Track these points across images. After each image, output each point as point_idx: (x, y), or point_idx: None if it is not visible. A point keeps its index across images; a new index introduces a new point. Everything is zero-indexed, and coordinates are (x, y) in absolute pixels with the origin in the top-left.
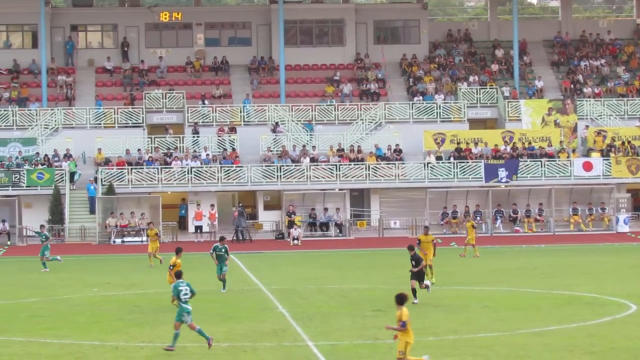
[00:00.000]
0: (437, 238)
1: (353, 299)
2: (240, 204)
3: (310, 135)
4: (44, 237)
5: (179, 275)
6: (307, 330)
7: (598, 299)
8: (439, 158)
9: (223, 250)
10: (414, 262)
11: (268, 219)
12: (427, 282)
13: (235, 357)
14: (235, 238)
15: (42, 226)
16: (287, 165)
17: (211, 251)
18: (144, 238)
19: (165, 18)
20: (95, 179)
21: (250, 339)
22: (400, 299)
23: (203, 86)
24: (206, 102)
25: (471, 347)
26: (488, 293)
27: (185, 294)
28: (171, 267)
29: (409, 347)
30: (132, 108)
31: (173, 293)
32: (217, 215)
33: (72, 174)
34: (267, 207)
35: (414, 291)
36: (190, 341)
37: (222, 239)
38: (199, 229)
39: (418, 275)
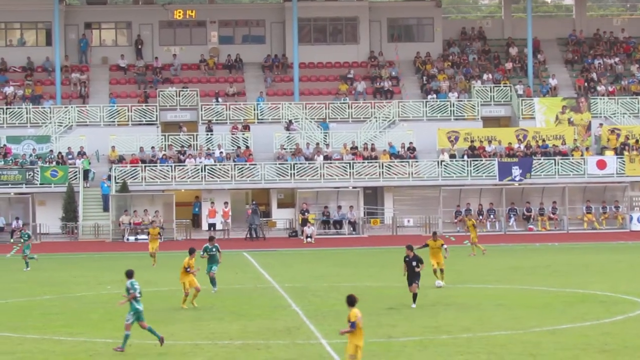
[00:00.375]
0: (451, 236)
1: (366, 297)
2: (254, 202)
3: (325, 133)
4: (26, 236)
5: (130, 274)
6: (320, 328)
7: (611, 297)
8: (452, 156)
9: (214, 249)
10: (414, 263)
11: (282, 216)
12: (438, 282)
13: (249, 354)
14: (248, 236)
15: (24, 224)
16: (300, 163)
17: (202, 252)
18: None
19: (179, 16)
20: (109, 177)
21: (264, 337)
22: (350, 301)
23: (217, 84)
24: (220, 99)
25: (485, 346)
26: (501, 291)
27: (140, 293)
28: (188, 269)
29: (360, 351)
30: (145, 106)
31: (133, 291)
32: (230, 213)
33: (85, 172)
34: (281, 205)
35: (414, 296)
36: (204, 339)
37: (211, 238)
38: (212, 226)
39: (416, 277)
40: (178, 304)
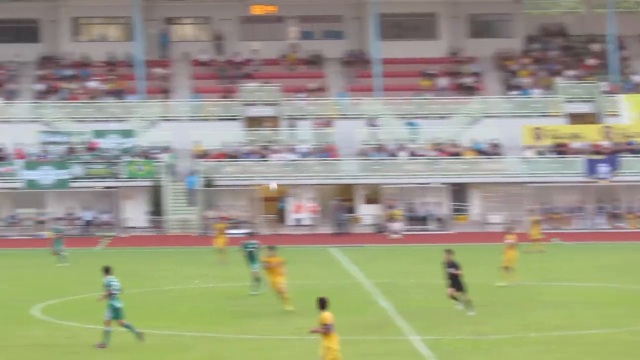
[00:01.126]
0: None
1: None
2: (339, 198)
3: (408, 129)
4: (57, 231)
5: (108, 270)
6: (408, 324)
7: None
8: (537, 153)
9: (253, 246)
10: (451, 268)
11: (367, 212)
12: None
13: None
14: (335, 231)
15: (54, 219)
16: (384, 159)
17: (241, 248)
18: (243, 231)
19: (259, 11)
20: (194, 172)
21: (352, 333)
22: (321, 304)
23: (298, 79)
24: (301, 95)
25: (577, 345)
26: (590, 289)
27: (118, 289)
28: (266, 266)
29: (331, 353)
30: (228, 101)
31: (109, 288)
32: (316, 209)
33: (170, 166)
34: (366, 200)
35: (454, 298)
36: (290, 334)
37: (251, 234)
38: (297, 221)
39: (455, 283)
40: (262, 299)
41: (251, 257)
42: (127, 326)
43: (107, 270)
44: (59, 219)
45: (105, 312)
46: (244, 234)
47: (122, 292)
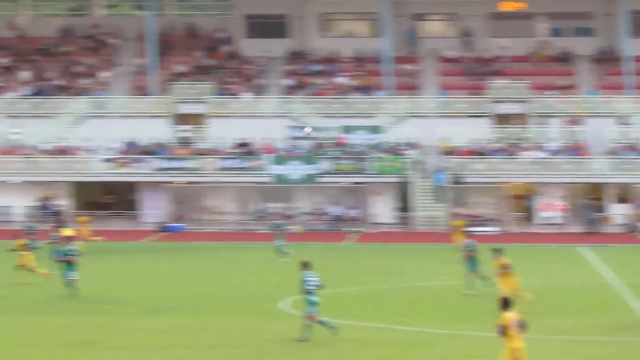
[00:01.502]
0: None
1: None
2: (589, 196)
3: None
4: (278, 226)
5: (306, 265)
6: None
7: None
8: None
9: (469, 247)
10: None
11: (618, 212)
12: None
13: (586, 350)
14: (584, 231)
15: (277, 215)
16: (635, 158)
17: (462, 247)
18: (492, 228)
19: (509, 8)
20: (442, 168)
21: (602, 333)
22: (504, 304)
23: (547, 76)
24: (550, 92)
25: None
26: None
27: (315, 285)
28: (500, 271)
29: (519, 353)
30: (476, 97)
31: (303, 284)
32: (565, 207)
33: (418, 163)
34: (617, 199)
35: None
36: (537, 333)
37: (470, 234)
38: (546, 220)
39: None
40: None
41: (468, 258)
42: (319, 322)
43: (304, 266)
44: (307, 213)
45: (305, 307)
46: (469, 232)
47: (320, 288)
